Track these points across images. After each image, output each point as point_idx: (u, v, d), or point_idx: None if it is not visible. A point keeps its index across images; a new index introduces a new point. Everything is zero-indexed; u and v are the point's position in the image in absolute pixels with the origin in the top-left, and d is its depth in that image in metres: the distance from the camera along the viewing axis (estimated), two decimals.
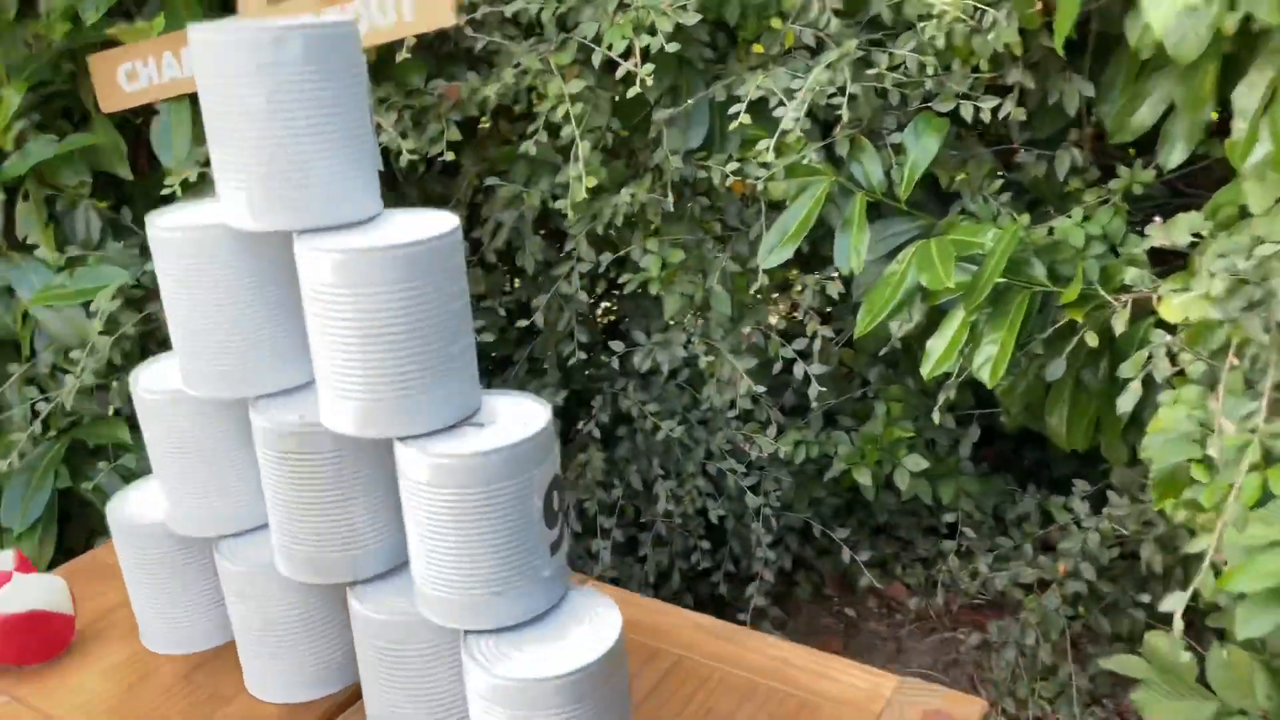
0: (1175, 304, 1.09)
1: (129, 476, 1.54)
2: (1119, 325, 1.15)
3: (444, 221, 0.69)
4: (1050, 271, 1.27)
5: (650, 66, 1.29)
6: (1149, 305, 1.17)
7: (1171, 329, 1.10)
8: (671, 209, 1.51)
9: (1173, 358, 1.09)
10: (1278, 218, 1.01)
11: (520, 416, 0.71)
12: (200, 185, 1.56)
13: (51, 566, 1.01)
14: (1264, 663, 1.11)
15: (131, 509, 0.89)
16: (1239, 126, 1.05)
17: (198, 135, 1.52)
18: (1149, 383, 1.09)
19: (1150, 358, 1.09)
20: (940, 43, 1.25)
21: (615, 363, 1.61)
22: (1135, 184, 1.31)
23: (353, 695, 0.83)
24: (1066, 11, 1.17)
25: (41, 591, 0.90)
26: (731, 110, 1.31)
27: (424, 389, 0.68)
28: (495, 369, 1.83)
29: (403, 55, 1.38)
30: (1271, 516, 0.91)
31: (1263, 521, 0.91)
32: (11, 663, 0.89)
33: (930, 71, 1.31)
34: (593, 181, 1.34)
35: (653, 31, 1.31)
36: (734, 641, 0.88)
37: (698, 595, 1.90)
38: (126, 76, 1.51)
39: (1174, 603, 0.88)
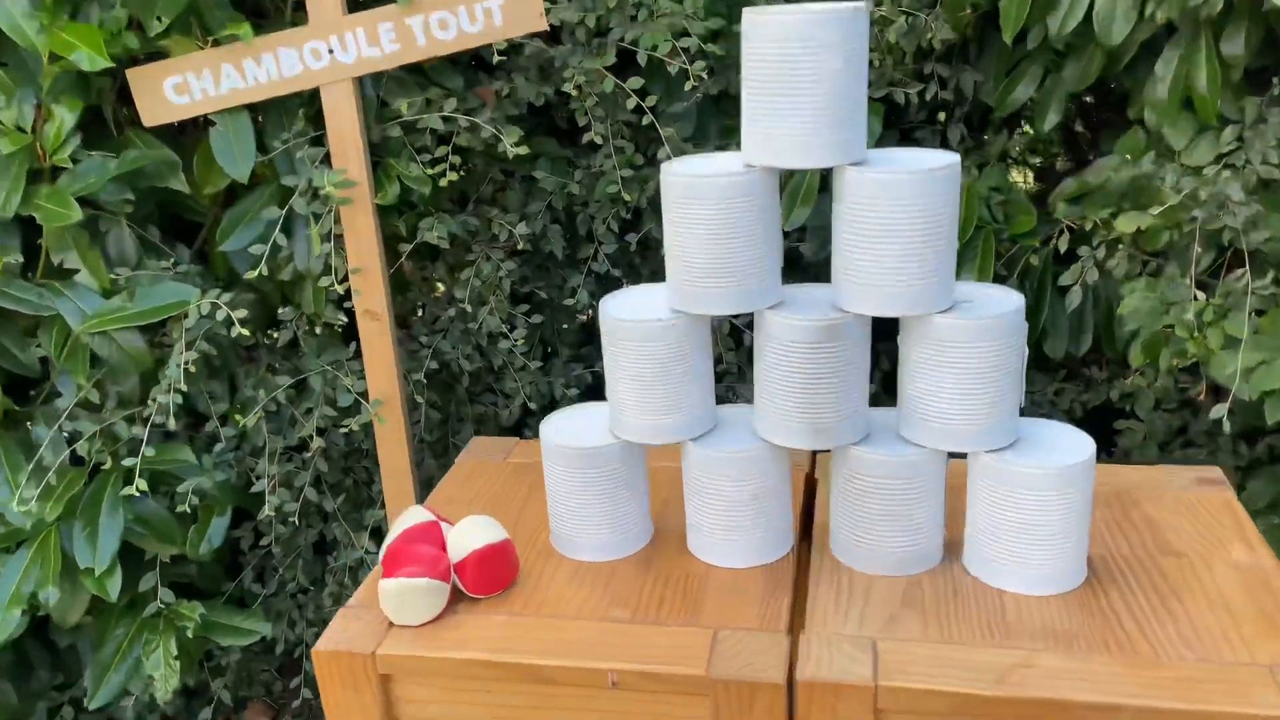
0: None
1: None
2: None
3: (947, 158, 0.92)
4: None
5: None
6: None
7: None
8: None
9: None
10: (1196, 149, 1.52)
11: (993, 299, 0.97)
12: (252, 188, 1.56)
13: None
14: None
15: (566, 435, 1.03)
16: (1161, 88, 1.54)
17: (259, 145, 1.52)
18: None
19: None
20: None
21: None
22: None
23: (794, 564, 1.03)
24: (1012, 14, 1.60)
25: (482, 528, 1.00)
26: None
27: (926, 275, 0.92)
28: None
29: None
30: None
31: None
32: (492, 591, 0.99)
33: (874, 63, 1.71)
34: None
35: None
36: None
37: None
38: (175, 90, 1.48)
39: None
